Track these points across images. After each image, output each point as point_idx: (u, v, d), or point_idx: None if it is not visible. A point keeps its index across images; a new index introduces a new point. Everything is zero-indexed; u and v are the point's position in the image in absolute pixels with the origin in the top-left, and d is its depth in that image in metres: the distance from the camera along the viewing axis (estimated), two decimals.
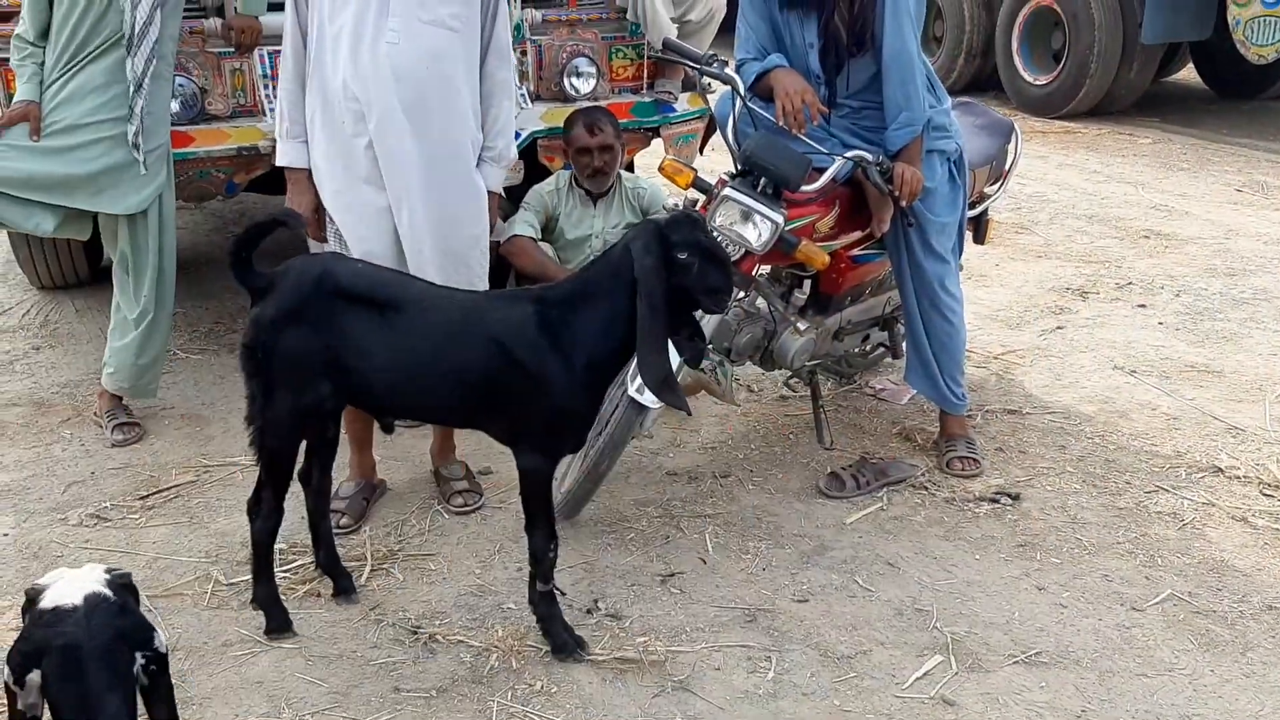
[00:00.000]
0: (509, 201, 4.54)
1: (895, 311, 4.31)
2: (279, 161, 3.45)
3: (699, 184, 3.43)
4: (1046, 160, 8.28)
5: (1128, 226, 6.77)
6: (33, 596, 2.20)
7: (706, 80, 5.30)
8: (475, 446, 3.90)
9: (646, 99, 5.05)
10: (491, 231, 3.56)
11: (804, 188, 3.42)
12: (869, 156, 3.46)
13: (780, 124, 3.47)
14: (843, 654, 2.94)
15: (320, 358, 2.76)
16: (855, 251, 3.84)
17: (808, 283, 3.90)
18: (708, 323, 3.43)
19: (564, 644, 2.91)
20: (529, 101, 4.86)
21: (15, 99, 3.94)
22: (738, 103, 3.53)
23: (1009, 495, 3.68)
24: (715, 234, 3.35)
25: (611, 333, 2.70)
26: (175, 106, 4.27)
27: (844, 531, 3.52)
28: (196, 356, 4.92)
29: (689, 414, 2.85)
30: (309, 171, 3.39)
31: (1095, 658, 2.92)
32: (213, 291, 5.65)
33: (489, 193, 3.47)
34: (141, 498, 3.76)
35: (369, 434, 3.58)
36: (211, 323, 5.28)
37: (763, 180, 3.33)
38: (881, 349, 4.41)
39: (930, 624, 3.06)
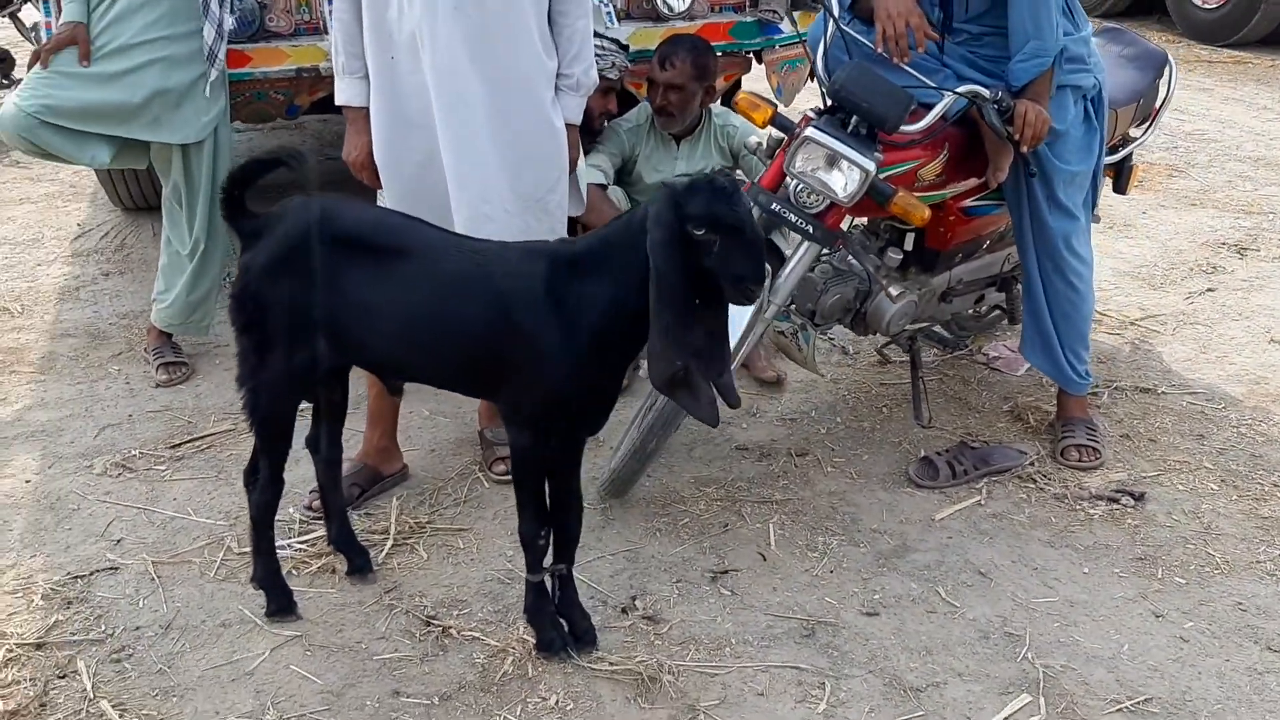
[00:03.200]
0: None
1: (1015, 270, 3.77)
2: (338, 100, 3.09)
3: (779, 121, 2.95)
4: (1211, 94, 7.44)
5: None
6: None
7: None
8: None
9: (749, 19, 4.54)
10: (571, 170, 3.16)
11: (905, 128, 2.92)
12: (985, 92, 2.93)
13: (880, 51, 2.96)
14: (911, 685, 2.51)
15: (315, 311, 2.42)
16: (968, 202, 3.31)
17: (911, 236, 3.39)
18: (788, 278, 2.99)
19: (550, 641, 2.56)
20: (615, 20, 4.42)
21: (62, 19, 3.66)
22: (830, 24, 3.02)
23: (1131, 494, 3.15)
24: (794, 181, 2.89)
25: (623, 309, 2.28)
26: (231, 23, 3.95)
27: (931, 529, 3.06)
28: None
29: (713, 425, 2.41)
30: (369, 110, 3.03)
31: (1217, 711, 2.43)
32: None
33: (568, 126, 3.07)
34: (173, 446, 3.51)
35: (385, 410, 3.21)
36: None
37: (854, 119, 2.84)
38: (997, 311, 3.88)
39: (1021, 653, 2.60)
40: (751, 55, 4.68)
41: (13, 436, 3.57)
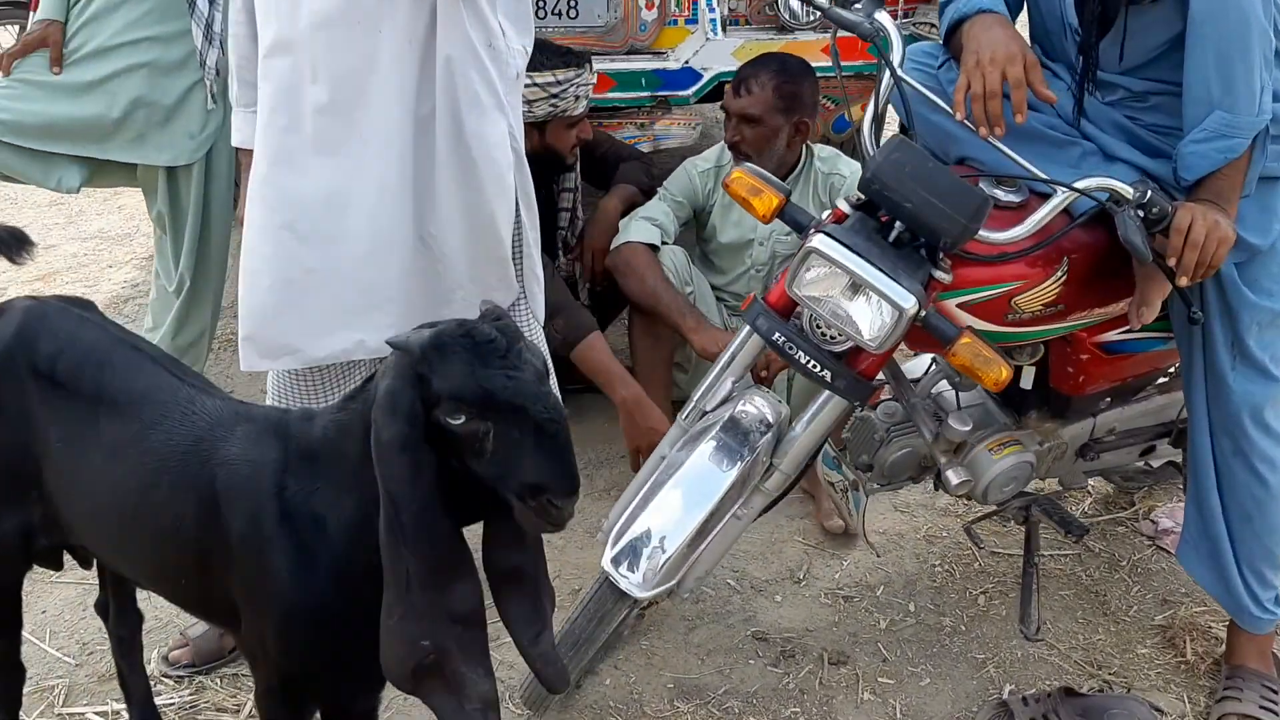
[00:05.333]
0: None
1: None
2: (233, 140, 2.35)
3: (790, 215, 1.99)
4: None
5: None
6: None
7: None
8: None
9: (904, 32, 3.52)
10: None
11: (993, 236, 1.92)
12: (1125, 189, 1.88)
13: (959, 118, 1.96)
14: None
15: (16, 465, 1.71)
16: (1112, 336, 2.25)
17: (1029, 372, 2.36)
18: (804, 437, 2.05)
19: None
20: (720, 29, 3.51)
21: (35, 17, 3.10)
22: (885, 76, 2.03)
23: None
24: (805, 309, 1.94)
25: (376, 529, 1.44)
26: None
27: None
28: None
29: None
30: None
31: None
32: None
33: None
34: None
35: None
36: None
37: (897, 225, 1.86)
38: (1171, 468, 2.76)
39: None
40: None
41: None
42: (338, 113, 2.07)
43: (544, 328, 2.57)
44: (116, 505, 1.63)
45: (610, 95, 3.45)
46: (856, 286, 1.85)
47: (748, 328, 2.04)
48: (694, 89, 3.48)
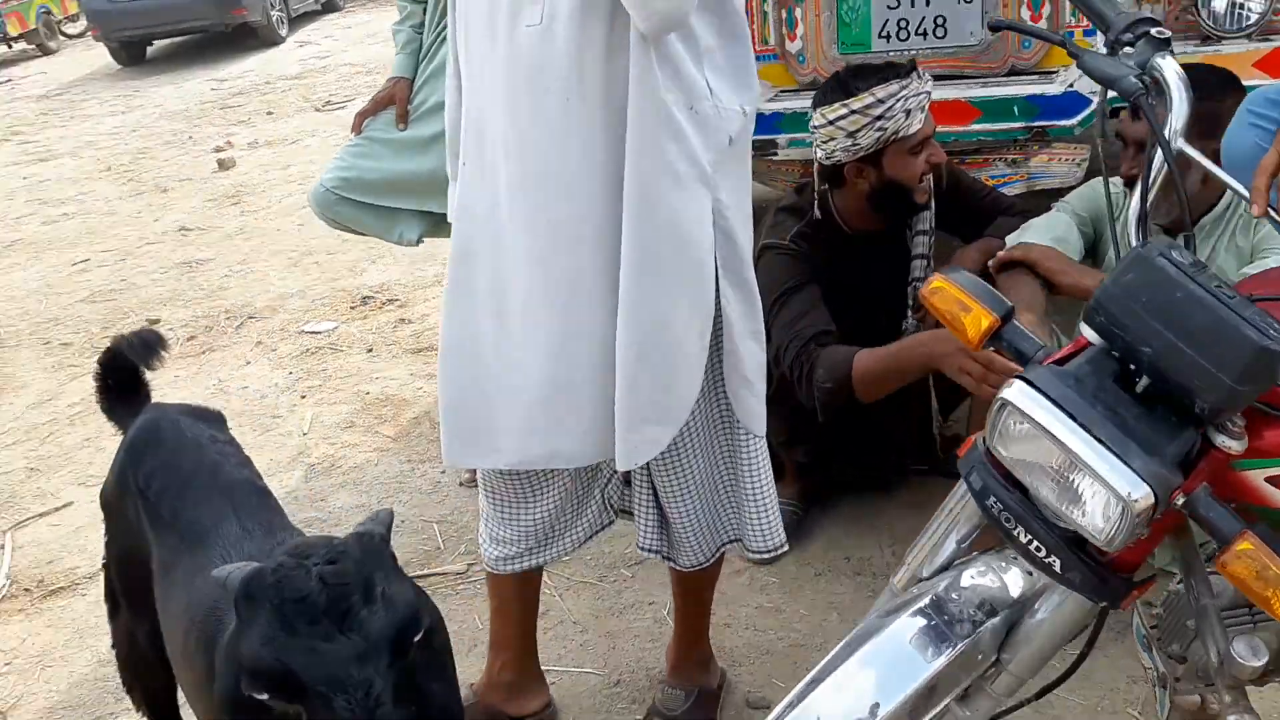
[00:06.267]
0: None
1: None
2: (450, 217, 2.22)
3: (1011, 343, 1.44)
4: None
5: None
6: None
7: None
8: (764, 658, 2.38)
9: None
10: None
11: None
12: None
13: (1257, 214, 1.32)
14: None
15: (143, 575, 1.68)
16: None
17: None
18: (1039, 638, 1.51)
19: None
20: None
21: (389, 75, 3.22)
22: (1157, 150, 1.41)
23: None
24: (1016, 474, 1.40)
25: None
26: None
27: None
28: None
29: None
30: None
31: None
32: None
33: None
34: None
35: (518, 618, 2.27)
36: None
37: (1143, 376, 1.29)
38: None
39: None
40: None
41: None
42: (528, 194, 1.86)
43: (809, 390, 2.47)
44: (173, 642, 1.54)
45: (974, 128, 2.92)
46: (1073, 466, 1.30)
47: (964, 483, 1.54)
48: (1079, 118, 2.85)
